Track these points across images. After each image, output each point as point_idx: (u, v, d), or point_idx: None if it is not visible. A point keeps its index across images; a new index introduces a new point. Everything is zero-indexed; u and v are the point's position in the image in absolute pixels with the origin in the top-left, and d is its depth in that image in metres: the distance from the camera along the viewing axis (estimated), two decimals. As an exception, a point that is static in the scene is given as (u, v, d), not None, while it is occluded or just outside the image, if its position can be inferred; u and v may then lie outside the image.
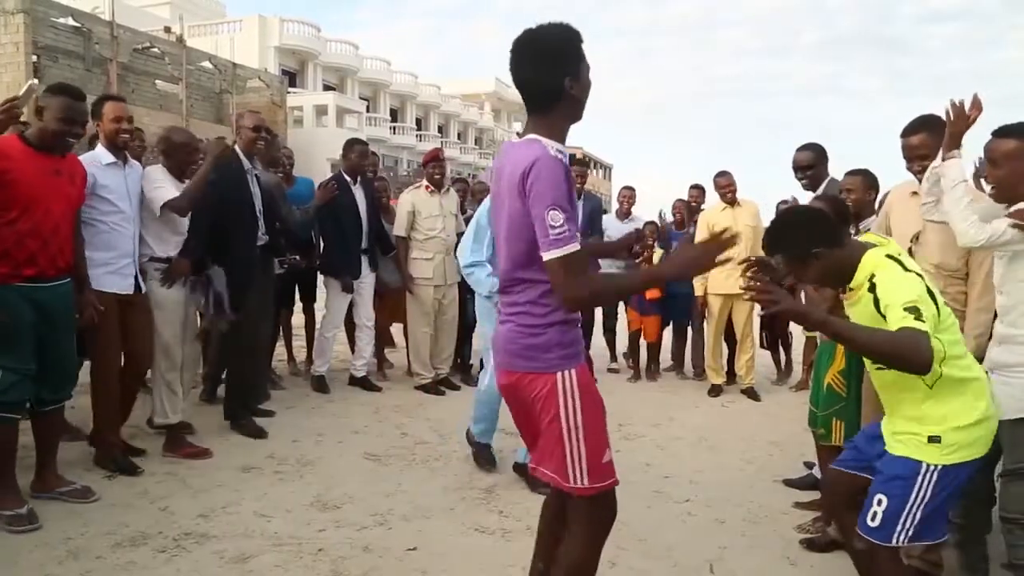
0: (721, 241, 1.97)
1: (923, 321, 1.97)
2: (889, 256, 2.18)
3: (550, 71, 1.97)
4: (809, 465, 4.03)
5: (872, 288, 2.15)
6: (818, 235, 2.23)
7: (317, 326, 5.85)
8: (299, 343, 6.44)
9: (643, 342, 6.75)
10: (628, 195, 7.01)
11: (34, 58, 19.49)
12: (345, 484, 3.70)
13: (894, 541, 2.16)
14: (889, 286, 2.11)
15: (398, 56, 55.80)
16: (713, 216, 5.95)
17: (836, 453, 3.41)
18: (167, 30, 26.80)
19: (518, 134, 2.14)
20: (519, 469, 3.90)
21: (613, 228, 6.65)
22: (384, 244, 5.83)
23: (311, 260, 5.61)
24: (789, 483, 3.96)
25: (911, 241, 2.93)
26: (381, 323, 6.21)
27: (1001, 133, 2.49)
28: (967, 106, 2.61)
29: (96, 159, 3.59)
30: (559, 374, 2.00)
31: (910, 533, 2.15)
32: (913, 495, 2.13)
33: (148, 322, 3.86)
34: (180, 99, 24.08)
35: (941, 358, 2.09)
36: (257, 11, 33.11)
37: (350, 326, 5.88)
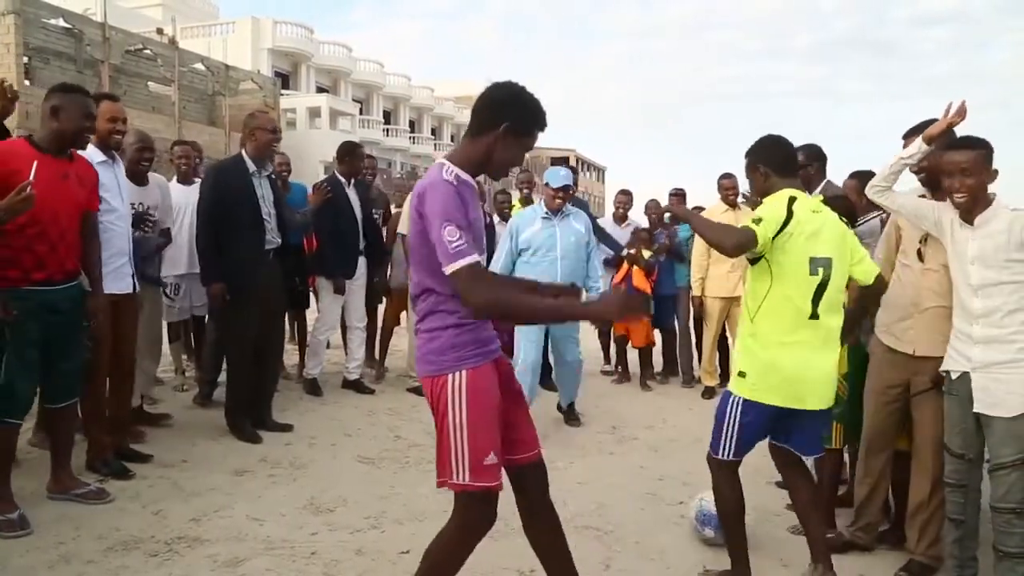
0: (639, 303, 2.19)
1: (754, 225, 2.54)
2: (791, 197, 2.64)
3: (502, 105, 2.13)
4: (802, 467, 4.04)
5: None
6: (770, 159, 2.74)
7: (310, 329, 5.83)
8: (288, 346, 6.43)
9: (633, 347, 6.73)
10: (624, 201, 6.99)
11: (25, 59, 19.37)
12: (338, 487, 3.69)
13: (719, 455, 2.72)
14: (763, 207, 2.67)
15: (391, 58, 55.84)
16: (715, 216, 5.88)
17: (834, 455, 3.44)
18: (159, 31, 26.73)
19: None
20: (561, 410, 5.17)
21: (611, 232, 6.67)
22: (377, 247, 5.81)
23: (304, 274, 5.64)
24: (782, 485, 3.96)
25: (919, 242, 2.95)
26: (388, 324, 6.21)
27: (966, 144, 2.61)
28: (954, 111, 2.76)
29: (88, 158, 3.56)
30: (450, 375, 2.11)
31: (732, 450, 2.69)
32: (727, 420, 2.69)
33: (136, 322, 3.90)
34: (172, 101, 23.97)
35: (763, 296, 2.62)
36: (250, 13, 33.16)
37: (342, 328, 5.87)
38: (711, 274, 5.96)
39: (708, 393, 6.12)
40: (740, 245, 2.56)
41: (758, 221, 2.55)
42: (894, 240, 3.11)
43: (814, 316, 2.59)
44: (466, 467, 2.11)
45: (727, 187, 5.98)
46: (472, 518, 2.20)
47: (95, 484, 3.44)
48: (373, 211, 5.91)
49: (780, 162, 2.74)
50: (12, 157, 2.98)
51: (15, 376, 3.02)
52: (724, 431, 2.70)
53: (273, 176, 4.64)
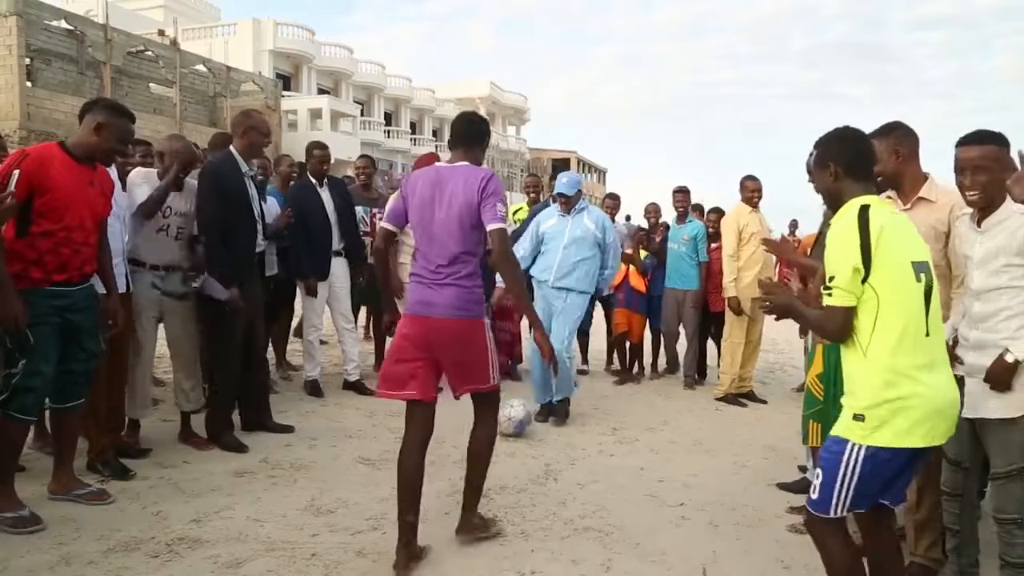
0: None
1: (831, 294, 2.19)
2: (863, 206, 2.21)
3: (485, 130, 3.22)
4: (803, 468, 4.04)
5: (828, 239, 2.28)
6: (847, 156, 2.32)
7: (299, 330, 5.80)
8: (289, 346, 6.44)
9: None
10: (612, 204, 7.06)
11: (27, 61, 19.41)
12: (339, 489, 3.69)
13: (831, 513, 2.21)
14: (829, 247, 2.24)
15: (393, 60, 55.85)
16: (743, 218, 5.90)
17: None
18: (161, 33, 26.78)
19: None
20: (551, 410, 5.26)
21: None
22: (357, 248, 5.78)
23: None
24: (783, 487, 3.97)
25: None
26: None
27: (978, 138, 2.52)
28: None
29: None
30: (485, 319, 3.09)
31: (846, 506, 2.21)
32: (841, 472, 2.18)
33: (129, 323, 3.90)
34: (174, 103, 24.03)
35: (873, 319, 2.15)
36: (251, 14, 33.13)
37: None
38: (743, 276, 5.84)
39: (735, 401, 6.01)
40: (843, 328, 2.19)
41: (827, 287, 2.19)
42: None
43: (928, 334, 2.18)
44: (496, 372, 3.10)
45: (753, 188, 5.97)
46: (498, 402, 3.23)
47: (96, 485, 3.45)
48: (376, 211, 5.89)
49: (857, 162, 2.32)
50: (49, 164, 3.07)
51: (33, 374, 3.06)
52: (839, 486, 2.19)
53: (260, 177, 4.63)
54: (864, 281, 2.15)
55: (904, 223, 2.27)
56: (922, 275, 2.19)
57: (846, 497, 2.19)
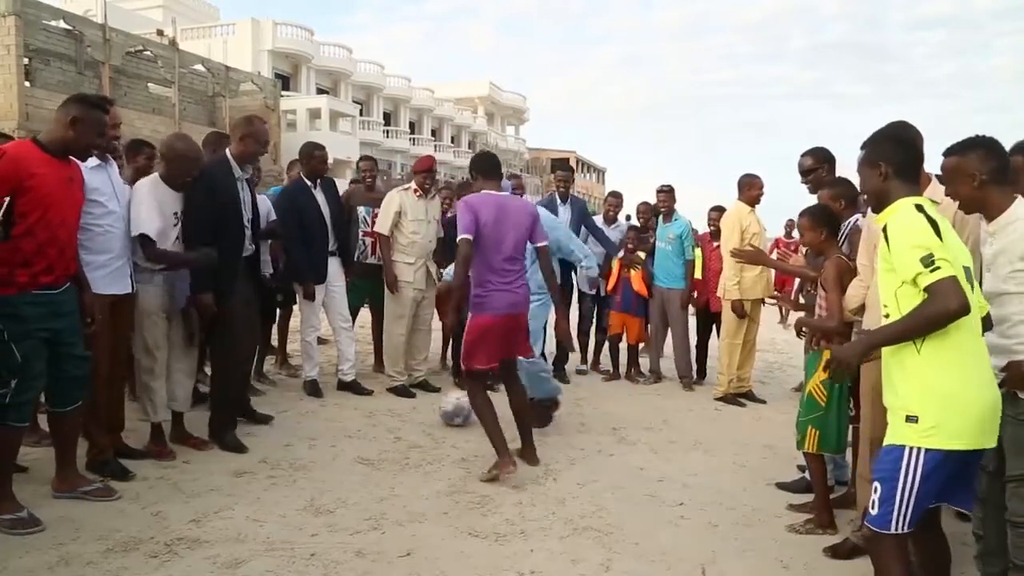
0: None
1: (938, 267, 2.04)
2: (917, 204, 2.20)
3: (500, 162, 4.21)
4: (802, 468, 4.04)
5: (886, 235, 2.22)
6: (900, 157, 2.32)
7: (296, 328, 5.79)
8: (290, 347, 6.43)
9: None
10: (614, 203, 7.06)
11: (26, 61, 19.39)
12: (338, 489, 3.69)
13: (892, 528, 2.15)
14: (897, 234, 2.16)
15: (392, 60, 55.86)
16: (745, 217, 5.85)
17: (817, 459, 3.44)
18: (160, 33, 26.76)
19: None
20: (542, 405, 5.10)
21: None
22: (348, 248, 5.78)
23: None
24: (782, 486, 3.98)
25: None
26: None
27: (947, 151, 2.56)
28: None
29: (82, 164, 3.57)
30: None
31: (907, 519, 2.14)
32: (903, 481, 2.11)
33: (131, 322, 3.89)
34: (173, 103, 24.01)
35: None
36: (250, 14, 33.09)
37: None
38: (744, 277, 5.80)
39: (734, 402, 6.00)
40: (961, 301, 2.03)
41: (926, 260, 2.06)
42: (871, 243, 3.08)
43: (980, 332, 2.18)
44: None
45: (759, 187, 5.92)
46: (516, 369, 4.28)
47: (100, 482, 3.44)
48: (376, 211, 5.88)
49: (909, 163, 2.34)
50: (28, 162, 2.99)
51: (25, 383, 3.04)
52: (900, 497, 2.11)
53: (256, 179, 4.62)
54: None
55: (950, 226, 2.27)
56: (969, 277, 2.18)
57: (907, 508, 2.11)
